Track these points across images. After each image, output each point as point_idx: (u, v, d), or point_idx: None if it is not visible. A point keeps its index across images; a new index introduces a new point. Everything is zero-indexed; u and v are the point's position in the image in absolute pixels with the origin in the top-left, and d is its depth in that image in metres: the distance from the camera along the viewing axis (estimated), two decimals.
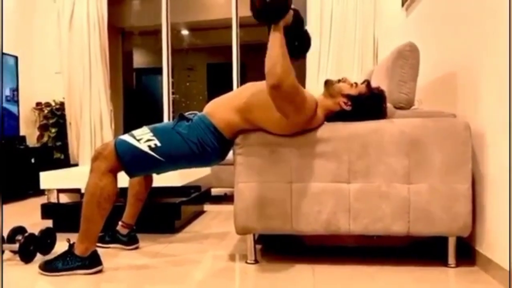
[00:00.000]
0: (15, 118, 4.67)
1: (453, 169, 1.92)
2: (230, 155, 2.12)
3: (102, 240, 2.32)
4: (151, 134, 1.96)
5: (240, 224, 2.03)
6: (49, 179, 2.88)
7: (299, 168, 1.99)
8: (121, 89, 6.48)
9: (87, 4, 4.95)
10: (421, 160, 1.94)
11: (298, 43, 1.92)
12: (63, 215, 2.82)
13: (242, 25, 5.12)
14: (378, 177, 1.95)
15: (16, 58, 4.67)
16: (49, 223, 2.77)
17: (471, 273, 1.92)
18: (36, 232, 2.20)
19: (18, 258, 2.12)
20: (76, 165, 4.89)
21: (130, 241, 2.39)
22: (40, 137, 5.04)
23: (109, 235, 2.39)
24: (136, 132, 1.99)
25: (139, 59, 8.28)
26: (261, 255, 2.19)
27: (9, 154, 4.27)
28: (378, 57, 4.50)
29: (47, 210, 2.87)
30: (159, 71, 5.47)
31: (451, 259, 1.97)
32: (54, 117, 5.03)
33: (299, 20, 1.89)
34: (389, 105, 2.09)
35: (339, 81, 2.05)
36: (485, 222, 1.92)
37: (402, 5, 3.37)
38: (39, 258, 2.13)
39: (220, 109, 2.03)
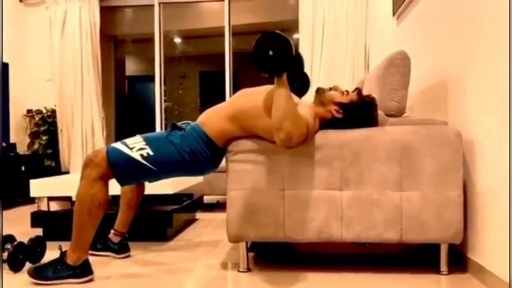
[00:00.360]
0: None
1: (444, 176, 1.93)
2: (222, 162, 2.11)
3: (93, 247, 2.29)
4: (144, 142, 1.95)
5: (233, 232, 2.03)
6: (39, 187, 2.85)
7: (291, 176, 1.99)
8: (113, 96, 6.46)
9: (79, 11, 4.95)
10: (413, 167, 1.95)
11: (298, 84, 1.98)
12: (54, 223, 2.79)
13: (235, 33, 5.15)
14: (370, 185, 1.96)
15: (6, 65, 4.64)
16: (39, 231, 2.73)
17: (463, 280, 1.92)
18: (26, 241, 2.17)
19: (7, 267, 2.09)
20: (67, 172, 4.85)
21: (121, 249, 2.37)
22: (30, 145, 5.01)
23: (101, 243, 2.37)
24: (128, 141, 1.97)
25: (132, 67, 8.27)
26: (254, 263, 2.18)
27: None
28: (370, 65, 4.53)
29: (37, 218, 2.84)
30: (151, 78, 5.46)
31: (443, 266, 1.98)
32: (45, 125, 5.00)
33: (299, 63, 1.91)
34: (380, 113, 2.10)
35: (330, 89, 2.06)
36: (476, 229, 1.93)
37: (393, 14, 3.41)
38: (28, 267, 2.10)
39: (213, 118, 2.03)
